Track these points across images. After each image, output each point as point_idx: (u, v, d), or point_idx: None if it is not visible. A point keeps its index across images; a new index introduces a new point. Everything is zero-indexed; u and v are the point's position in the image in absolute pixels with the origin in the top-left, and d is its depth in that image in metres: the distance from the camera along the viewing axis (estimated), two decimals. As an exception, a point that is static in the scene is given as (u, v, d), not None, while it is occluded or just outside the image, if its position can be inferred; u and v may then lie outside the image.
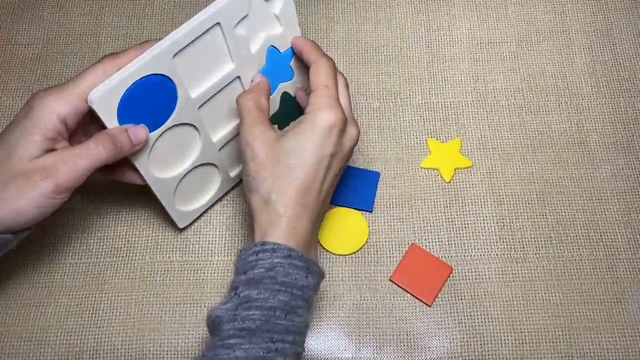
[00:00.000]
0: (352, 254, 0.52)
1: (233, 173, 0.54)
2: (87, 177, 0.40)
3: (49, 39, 0.62)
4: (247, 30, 0.44)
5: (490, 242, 0.53)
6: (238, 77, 0.47)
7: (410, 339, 0.50)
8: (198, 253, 0.53)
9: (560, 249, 0.52)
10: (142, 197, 0.54)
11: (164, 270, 0.52)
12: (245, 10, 0.43)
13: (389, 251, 0.52)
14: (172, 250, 0.53)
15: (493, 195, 0.54)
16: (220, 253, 0.53)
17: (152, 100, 0.42)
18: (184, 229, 0.53)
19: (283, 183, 0.40)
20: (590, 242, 0.53)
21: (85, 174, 0.40)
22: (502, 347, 0.49)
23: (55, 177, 0.38)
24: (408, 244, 0.53)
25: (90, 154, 0.39)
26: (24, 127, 0.39)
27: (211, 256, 0.53)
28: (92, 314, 0.50)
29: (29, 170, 0.38)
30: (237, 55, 0.45)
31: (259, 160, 0.41)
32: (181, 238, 0.53)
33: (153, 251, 0.53)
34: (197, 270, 0.52)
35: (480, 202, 0.54)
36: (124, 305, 0.50)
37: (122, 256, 0.52)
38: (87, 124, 0.43)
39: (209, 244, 0.53)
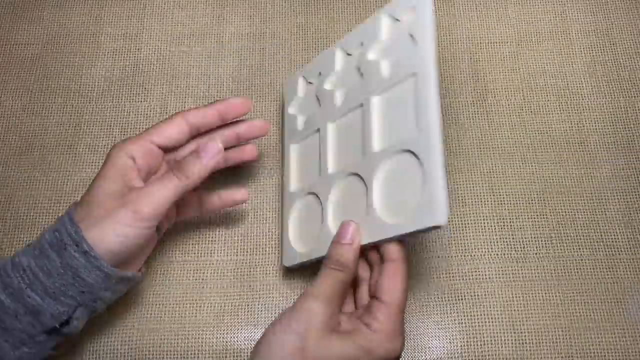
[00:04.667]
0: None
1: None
2: (167, 208, 0.41)
3: (48, 38, 0.62)
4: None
5: (490, 242, 0.53)
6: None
7: (409, 339, 0.49)
8: (198, 253, 0.53)
9: (561, 249, 0.52)
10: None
11: (164, 270, 0.52)
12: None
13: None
14: (172, 250, 0.53)
15: (493, 195, 0.54)
16: (220, 253, 0.53)
17: None
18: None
19: None
20: (590, 242, 0.53)
21: (164, 203, 0.41)
22: (502, 347, 0.49)
23: (132, 205, 0.40)
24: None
25: (164, 183, 0.41)
26: (103, 171, 0.42)
27: (211, 256, 0.53)
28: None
29: (109, 204, 0.40)
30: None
31: (300, 345, 0.37)
32: (181, 238, 0.53)
33: (152, 251, 0.52)
34: (197, 270, 0.52)
35: (480, 202, 0.54)
36: (124, 305, 0.50)
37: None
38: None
39: (209, 243, 0.53)
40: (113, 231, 0.39)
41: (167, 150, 0.46)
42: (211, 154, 0.42)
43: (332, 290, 0.39)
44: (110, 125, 0.58)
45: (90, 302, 0.40)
